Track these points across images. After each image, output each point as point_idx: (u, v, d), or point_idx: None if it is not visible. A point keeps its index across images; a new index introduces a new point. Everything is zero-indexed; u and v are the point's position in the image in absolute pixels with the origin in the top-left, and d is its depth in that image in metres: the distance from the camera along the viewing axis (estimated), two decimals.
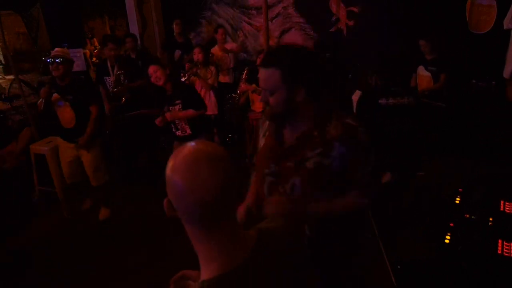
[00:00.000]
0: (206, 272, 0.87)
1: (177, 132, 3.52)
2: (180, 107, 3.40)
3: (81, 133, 3.44)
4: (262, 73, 1.40)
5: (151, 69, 3.28)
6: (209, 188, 0.82)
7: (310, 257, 1.06)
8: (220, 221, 0.87)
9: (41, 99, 3.33)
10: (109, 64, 4.36)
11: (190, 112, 3.40)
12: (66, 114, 3.42)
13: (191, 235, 0.89)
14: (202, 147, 0.87)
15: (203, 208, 0.83)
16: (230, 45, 5.33)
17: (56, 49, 3.35)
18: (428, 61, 4.31)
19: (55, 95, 3.35)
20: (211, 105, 4.57)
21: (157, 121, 3.41)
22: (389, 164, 2.98)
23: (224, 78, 5.29)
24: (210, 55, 4.88)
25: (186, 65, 4.66)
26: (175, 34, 5.54)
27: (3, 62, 9.30)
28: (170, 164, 0.86)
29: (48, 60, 3.22)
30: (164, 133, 3.70)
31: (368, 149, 1.42)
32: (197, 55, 4.44)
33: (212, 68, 4.66)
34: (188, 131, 3.49)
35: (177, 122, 3.48)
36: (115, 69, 4.30)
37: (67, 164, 3.60)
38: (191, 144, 0.88)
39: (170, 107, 3.42)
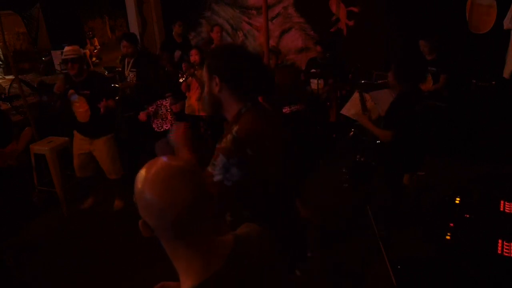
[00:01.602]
0: (185, 283, 0.88)
1: (165, 126, 3.63)
2: (172, 99, 3.54)
3: (95, 127, 3.53)
4: None
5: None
6: (184, 203, 0.83)
7: (283, 259, 1.09)
8: (196, 233, 0.88)
9: (57, 95, 3.40)
10: (126, 60, 4.39)
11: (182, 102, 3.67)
12: (81, 109, 3.48)
13: (168, 248, 0.90)
14: (173, 163, 0.87)
15: (178, 222, 0.84)
16: None
17: (67, 48, 3.40)
18: (428, 62, 4.31)
19: (71, 91, 3.42)
20: None
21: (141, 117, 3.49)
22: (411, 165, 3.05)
23: None
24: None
25: (183, 66, 4.66)
26: (174, 34, 5.52)
27: (3, 62, 9.31)
28: (141, 180, 0.86)
29: (63, 62, 3.35)
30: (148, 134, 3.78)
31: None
32: (194, 56, 4.45)
33: None
34: (165, 126, 3.63)
35: (164, 117, 3.63)
36: (129, 66, 4.32)
37: (79, 157, 3.67)
38: (162, 159, 0.88)
39: (161, 101, 3.56)
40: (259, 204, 1.49)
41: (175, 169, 0.86)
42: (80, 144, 3.63)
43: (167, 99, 3.48)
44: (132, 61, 4.32)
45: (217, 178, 1.37)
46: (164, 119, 3.55)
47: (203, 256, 0.88)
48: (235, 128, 1.38)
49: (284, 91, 3.99)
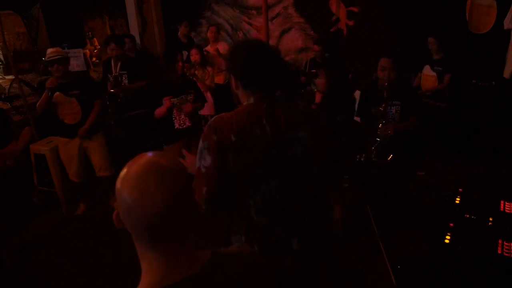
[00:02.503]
0: (151, 278, 0.85)
1: (179, 126, 3.58)
2: (192, 97, 3.49)
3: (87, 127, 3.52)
4: None
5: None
6: (154, 203, 0.78)
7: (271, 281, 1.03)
8: (166, 239, 0.83)
9: (46, 91, 3.32)
10: (112, 63, 4.37)
11: (199, 104, 3.63)
12: (72, 110, 3.46)
13: (137, 247, 0.87)
14: (156, 160, 0.83)
15: (147, 223, 0.80)
16: (221, 46, 5.31)
17: (49, 50, 3.38)
18: (435, 61, 4.30)
19: (57, 94, 3.38)
20: (208, 105, 4.58)
21: (159, 111, 3.43)
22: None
23: (217, 79, 5.27)
24: (205, 53, 4.90)
25: (184, 66, 4.67)
26: (179, 34, 5.52)
27: (3, 62, 9.30)
28: (121, 175, 0.83)
29: (46, 64, 3.31)
30: (162, 133, 3.73)
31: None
32: (195, 56, 4.46)
33: (209, 68, 4.68)
34: (187, 123, 3.54)
35: (175, 115, 3.53)
36: (118, 69, 4.32)
37: (75, 163, 3.65)
38: (147, 155, 0.85)
39: (183, 96, 3.47)
40: (234, 200, 1.50)
41: (155, 168, 0.81)
42: (69, 149, 3.60)
43: (191, 94, 3.45)
44: (119, 63, 4.31)
45: (197, 164, 1.44)
46: (186, 116, 3.55)
47: (169, 263, 0.84)
48: (215, 116, 1.48)
49: None
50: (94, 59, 10.59)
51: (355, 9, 5.43)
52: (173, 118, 3.54)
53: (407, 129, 3.00)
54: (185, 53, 5.35)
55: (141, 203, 0.79)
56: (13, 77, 4.78)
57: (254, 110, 1.47)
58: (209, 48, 5.20)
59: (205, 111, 4.33)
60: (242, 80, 1.50)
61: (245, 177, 1.45)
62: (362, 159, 3.62)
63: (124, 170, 0.84)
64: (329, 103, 2.91)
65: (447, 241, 2.24)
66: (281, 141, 1.46)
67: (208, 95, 4.64)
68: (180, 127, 3.55)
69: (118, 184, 0.83)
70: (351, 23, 5.52)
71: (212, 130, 1.42)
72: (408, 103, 2.99)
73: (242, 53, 1.50)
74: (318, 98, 3.25)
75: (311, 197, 1.60)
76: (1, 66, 9.46)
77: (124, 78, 4.34)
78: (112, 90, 4.24)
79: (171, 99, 3.38)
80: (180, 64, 4.63)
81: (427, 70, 4.38)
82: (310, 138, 1.50)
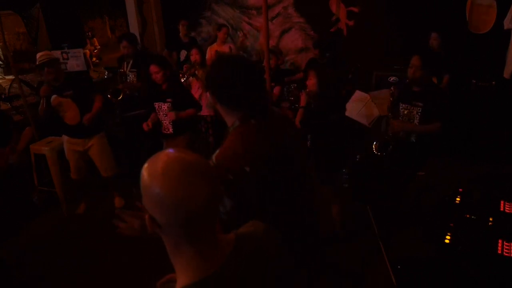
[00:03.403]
0: (183, 279, 0.86)
1: (163, 130, 3.60)
2: (170, 105, 3.46)
3: (86, 128, 3.51)
4: None
5: (152, 69, 3.36)
6: (202, 198, 0.80)
7: (291, 260, 1.05)
8: (203, 231, 0.86)
9: (42, 99, 3.36)
10: (125, 61, 4.42)
11: (192, 111, 3.51)
12: (70, 110, 3.46)
13: (169, 244, 0.87)
14: (185, 156, 0.83)
15: (192, 219, 0.81)
16: (223, 48, 5.31)
17: (38, 54, 3.38)
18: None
19: (54, 97, 3.38)
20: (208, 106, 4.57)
21: (144, 125, 3.45)
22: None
23: None
24: (210, 53, 4.92)
25: (184, 66, 4.67)
26: (180, 34, 5.53)
27: (3, 62, 9.31)
28: (149, 174, 0.82)
29: (37, 68, 3.31)
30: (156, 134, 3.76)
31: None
32: (195, 56, 4.46)
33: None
34: (170, 130, 3.56)
35: (161, 120, 3.56)
36: (128, 67, 4.35)
37: (74, 160, 3.66)
38: (169, 152, 0.84)
39: (161, 104, 3.49)
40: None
41: (188, 163, 0.82)
42: (73, 147, 3.62)
43: (167, 103, 3.46)
44: (131, 61, 4.35)
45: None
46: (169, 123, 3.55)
47: (204, 254, 0.86)
48: (217, 152, 1.39)
49: None
50: (94, 59, 10.60)
51: (355, 9, 5.43)
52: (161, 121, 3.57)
53: (427, 133, 2.92)
54: (184, 52, 5.36)
55: (188, 200, 0.79)
56: (13, 77, 4.78)
57: (246, 132, 1.42)
58: (218, 47, 5.19)
59: (205, 111, 4.33)
60: (221, 100, 1.45)
61: (259, 199, 1.43)
62: (363, 157, 3.63)
63: (151, 169, 0.82)
64: (320, 103, 2.90)
65: (447, 241, 2.24)
66: (284, 153, 1.46)
67: (208, 96, 4.63)
68: (165, 132, 3.57)
69: (148, 183, 0.81)
70: (351, 23, 5.52)
71: (225, 171, 1.34)
72: (432, 105, 2.87)
73: (222, 74, 1.43)
74: (302, 100, 3.22)
75: (309, 199, 1.63)
76: (1, 66, 9.46)
77: (133, 76, 4.35)
78: (118, 87, 4.25)
79: (169, 114, 3.46)
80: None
81: None
82: (297, 142, 1.54)
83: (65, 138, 3.64)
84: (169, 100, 3.46)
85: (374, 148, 3.09)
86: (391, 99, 3.07)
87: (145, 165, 0.84)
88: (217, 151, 1.40)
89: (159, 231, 0.85)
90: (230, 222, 1.33)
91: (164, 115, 3.52)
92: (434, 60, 2.95)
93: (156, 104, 3.52)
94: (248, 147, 1.37)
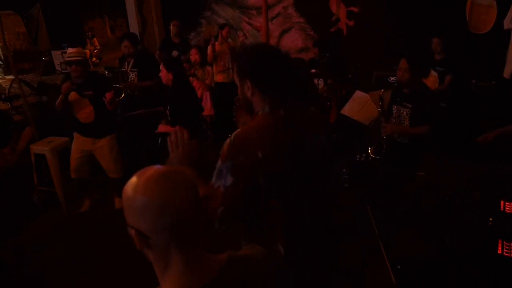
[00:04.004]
0: None
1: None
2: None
3: (99, 127, 3.55)
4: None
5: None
6: (182, 200, 0.82)
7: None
8: (191, 240, 0.86)
9: (61, 94, 3.37)
10: (126, 60, 4.43)
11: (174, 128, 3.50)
12: (85, 109, 3.48)
13: (158, 257, 0.87)
14: (166, 167, 0.87)
15: (177, 221, 0.82)
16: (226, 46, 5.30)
17: (71, 49, 3.39)
18: (437, 61, 4.31)
19: (72, 93, 3.41)
20: (207, 106, 4.58)
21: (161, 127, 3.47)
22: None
23: (220, 77, 5.27)
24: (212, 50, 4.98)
25: (184, 66, 4.67)
26: (171, 34, 5.53)
27: (3, 62, 9.31)
28: (132, 187, 0.84)
29: (66, 62, 3.37)
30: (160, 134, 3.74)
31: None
32: (194, 55, 4.46)
33: (209, 68, 4.69)
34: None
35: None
36: (130, 66, 4.36)
37: (77, 158, 3.66)
38: (154, 167, 0.87)
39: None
40: (258, 217, 1.44)
41: (168, 171, 0.86)
42: (82, 145, 3.63)
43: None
44: (132, 61, 4.35)
45: (216, 184, 1.35)
46: None
47: (194, 270, 0.86)
48: (235, 132, 1.37)
49: None
50: (94, 59, 10.59)
51: (355, 9, 5.43)
52: None
53: (416, 135, 2.92)
54: (175, 53, 5.35)
55: (170, 201, 0.81)
56: (13, 77, 4.78)
57: (273, 120, 1.41)
58: (220, 46, 5.20)
59: (205, 111, 4.34)
60: (260, 84, 1.42)
61: (274, 189, 1.40)
62: (362, 159, 3.63)
63: (134, 182, 0.84)
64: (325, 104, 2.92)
65: (447, 241, 2.24)
66: (304, 148, 1.44)
67: (208, 96, 4.63)
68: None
69: (131, 195, 0.83)
70: (351, 23, 5.52)
71: (235, 150, 1.33)
72: (420, 108, 2.86)
73: (266, 56, 1.42)
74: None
75: (326, 199, 1.62)
76: (1, 66, 9.46)
77: (134, 75, 4.36)
78: (118, 86, 4.25)
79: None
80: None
81: None
82: (325, 142, 1.52)
83: (75, 135, 3.66)
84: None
85: (370, 152, 3.12)
86: (380, 102, 3.09)
87: (127, 184, 0.86)
88: (238, 130, 1.39)
89: (148, 246, 0.86)
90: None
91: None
92: (423, 62, 2.92)
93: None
94: (267, 134, 1.37)
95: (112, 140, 3.69)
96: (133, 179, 0.85)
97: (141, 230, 0.83)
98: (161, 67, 3.41)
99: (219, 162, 1.36)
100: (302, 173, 1.45)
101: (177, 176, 0.85)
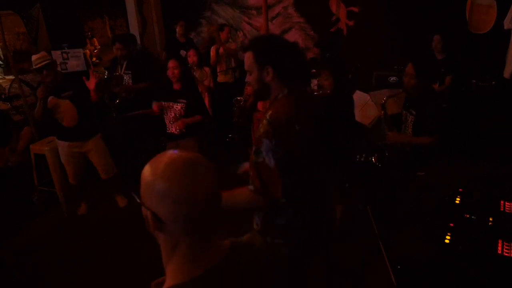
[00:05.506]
0: (176, 277, 0.87)
1: (172, 130, 3.48)
2: (184, 106, 3.38)
3: (85, 129, 3.51)
4: (243, 57, 1.64)
5: (171, 64, 3.35)
6: (204, 190, 0.82)
7: (286, 274, 1.07)
8: (203, 229, 0.87)
9: (39, 101, 3.32)
10: (119, 62, 4.40)
11: (199, 118, 3.44)
12: (68, 111, 3.43)
13: (168, 243, 0.88)
14: (187, 154, 0.87)
15: (194, 211, 0.82)
16: (228, 46, 5.31)
17: (33, 57, 3.29)
18: (439, 61, 4.30)
19: (50, 98, 3.34)
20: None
21: (155, 107, 3.39)
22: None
23: (224, 78, 5.29)
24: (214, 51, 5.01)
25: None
26: (177, 35, 5.53)
27: (3, 62, 9.31)
28: (151, 171, 0.84)
29: (36, 72, 3.26)
30: (160, 134, 3.71)
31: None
32: (192, 57, 4.45)
33: (207, 69, 4.68)
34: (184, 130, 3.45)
35: (170, 120, 3.45)
36: (123, 69, 4.32)
37: (71, 164, 3.63)
38: (171, 152, 0.87)
39: (171, 103, 3.41)
40: (291, 187, 1.54)
41: (189, 158, 0.85)
42: (71, 150, 3.57)
43: (181, 104, 3.37)
44: (125, 63, 4.31)
45: (270, 164, 1.46)
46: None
47: (199, 257, 0.87)
48: (269, 113, 1.51)
49: None
50: (94, 59, 10.60)
51: (355, 9, 5.43)
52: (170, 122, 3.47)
53: (419, 146, 2.91)
54: (183, 52, 5.37)
55: (191, 190, 0.81)
56: (13, 77, 4.77)
57: (295, 100, 1.55)
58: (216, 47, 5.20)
59: None
60: (281, 70, 1.54)
61: (306, 163, 1.55)
62: (362, 159, 3.63)
63: (153, 167, 0.85)
64: (332, 102, 2.90)
65: (447, 241, 2.24)
66: (322, 126, 1.63)
67: (206, 97, 4.63)
68: (177, 132, 3.44)
69: (151, 180, 0.83)
70: (351, 23, 5.52)
71: (277, 126, 1.46)
72: (424, 116, 2.83)
73: (282, 44, 1.58)
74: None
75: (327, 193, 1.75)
76: (1, 66, 9.46)
77: (128, 78, 4.34)
78: (113, 90, 4.24)
79: (162, 104, 3.39)
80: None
81: None
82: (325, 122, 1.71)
83: (61, 143, 3.57)
84: (183, 101, 3.38)
85: (374, 160, 3.12)
86: (382, 111, 3.08)
87: (146, 167, 0.86)
88: (270, 112, 1.51)
89: (160, 229, 0.86)
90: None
91: (176, 116, 3.42)
92: (430, 67, 2.90)
93: (166, 104, 3.41)
94: (297, 110, 1.52)
95: (98, 140, 3.67)
96: (153, 164, 0.85)
97: (158, 214, 0.83)
98: (175, 62, 3.34)
99: (264, 141, 1.47)
100: (322, 151, 1.64)
101: (198, 164, 0.84)
